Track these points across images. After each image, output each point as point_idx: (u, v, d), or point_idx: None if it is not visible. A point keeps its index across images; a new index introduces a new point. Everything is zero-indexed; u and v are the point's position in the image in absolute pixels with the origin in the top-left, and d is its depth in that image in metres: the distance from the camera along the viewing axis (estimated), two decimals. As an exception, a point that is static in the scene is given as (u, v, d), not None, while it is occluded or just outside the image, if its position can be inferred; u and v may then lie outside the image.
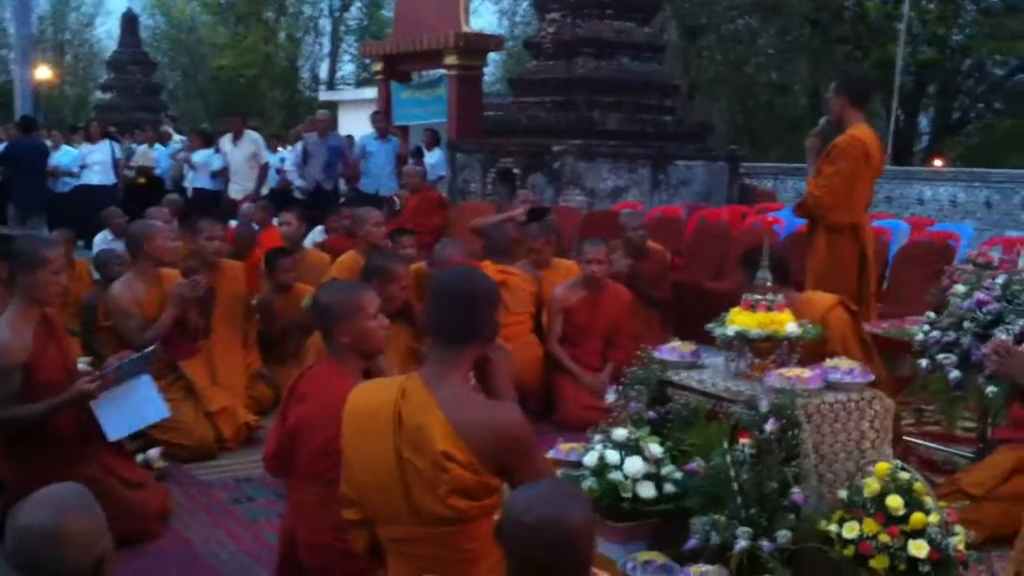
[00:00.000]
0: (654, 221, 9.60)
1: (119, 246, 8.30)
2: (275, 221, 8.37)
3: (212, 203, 12.93)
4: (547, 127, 12.63)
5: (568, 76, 12.78)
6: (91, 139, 14.51)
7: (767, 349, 4.51)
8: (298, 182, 13.21)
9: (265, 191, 12.59)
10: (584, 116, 12.45)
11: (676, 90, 14.19)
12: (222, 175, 12.85)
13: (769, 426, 4.03)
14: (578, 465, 4.66)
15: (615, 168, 11.99)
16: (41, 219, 13.22)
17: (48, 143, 14.54)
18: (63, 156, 14.31)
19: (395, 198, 11.55)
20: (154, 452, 5.33)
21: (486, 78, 17.56)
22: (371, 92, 19.22)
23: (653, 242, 7.92)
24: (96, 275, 7.38)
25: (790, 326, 4.50)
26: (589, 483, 4.22)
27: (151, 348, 5.03)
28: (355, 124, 17.90)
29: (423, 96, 16.01)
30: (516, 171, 12.56)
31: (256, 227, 8.93)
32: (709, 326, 4.63)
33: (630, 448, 4.30)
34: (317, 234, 9.41)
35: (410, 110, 16.06)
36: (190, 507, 5.02)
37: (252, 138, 12.79)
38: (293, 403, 3.75)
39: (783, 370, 4.32)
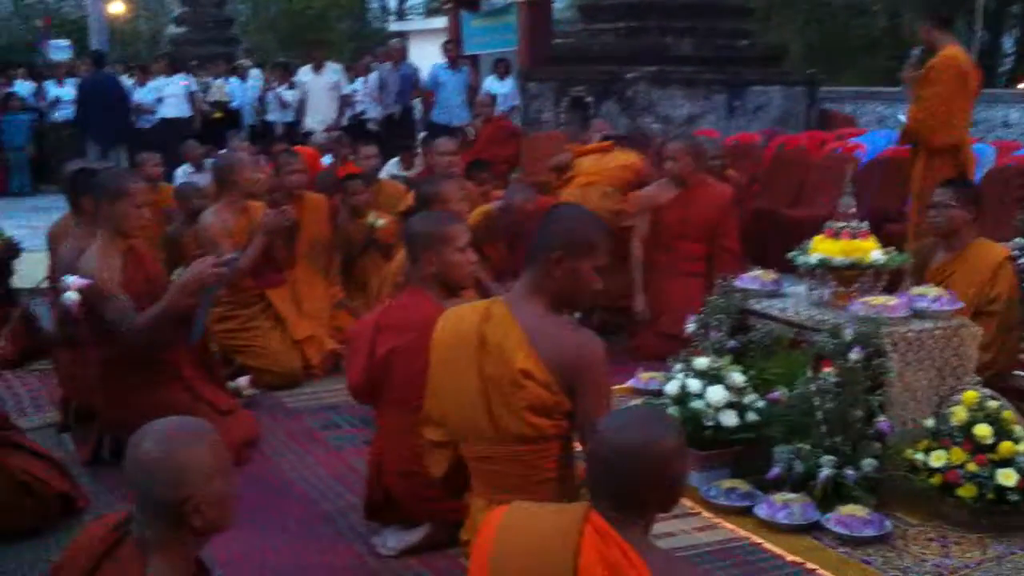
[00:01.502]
0: (730, 148, 9.46)
1: (198, 179, 8.45)
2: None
3: (286, 135, 13.09)
4: (619, 54, 12.44)
5: (639, 1, 12.55)
6: (166, 73, 14.65)
7: (851, 277, 4.47)
8: (372, 113, 13.25)
9: (344, 122, 12.67)
10: (657, 42, 12.23)
11: (751, 13, 13.88)
12: (297, 107, 12.94)
13: (854, 355, 4.02)
14: (659, 394, 4.71)
15: (689, 95, 11.80)
16: (121, 152, 13.42)
17: (131, 80, 14.70)
18: (147, 93, 14.48)
19: (468, 128, 11.54)
20: (243, 380, 5.46)
21: (556, 4, 17.32)
22: (440, 22, 19.10)
23: (731, 170, 7.82)
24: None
25: (875, 253, 4.46)
26: (671, 412, 4.25)
27: (235, 255, 5.11)
28: (425, 54, 17.80)
29: (493, 24, 15.86)
30: (588, 99, 12.43)
31: (331, 159, 9.01)
32: (791, 254, 4.61)
33: (712, 377, 4.32)
34: (392, 166, 9.46)
35: (480, 39, 15.93)
36: (279, 433, 5.16)
37: (333, 68, 12.85)
38: (382, 334, 3.82)
39: (868, 298, 4.29)
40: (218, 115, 14.83)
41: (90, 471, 4.63)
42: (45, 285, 4.94)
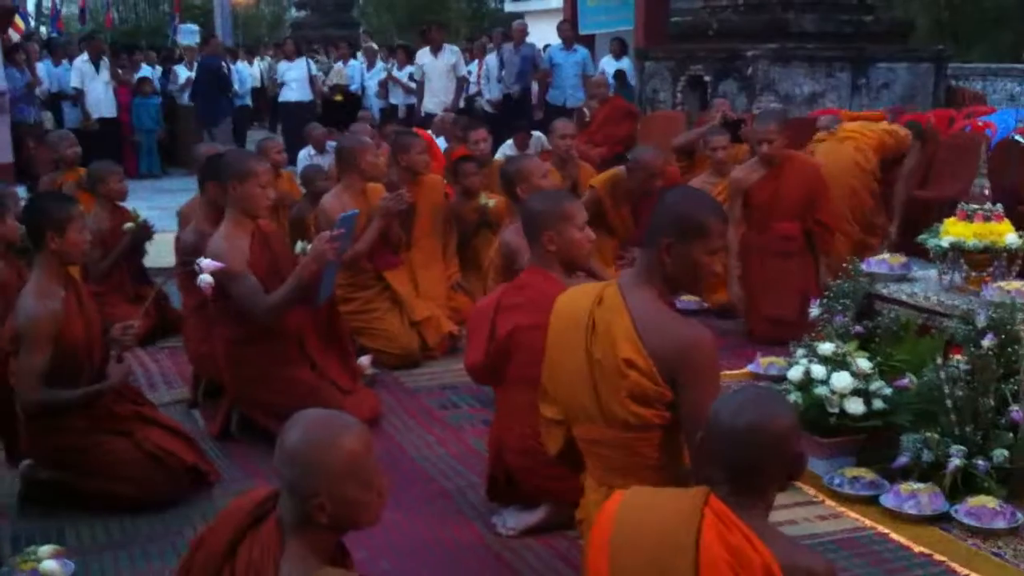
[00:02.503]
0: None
1: (321, 161, 8.61)
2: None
3: (407, 117, 13.25)
4: (739, 31, 12.22)
5: (756, -24, 12.30)
6: (288, 56, 14.95)
7: (984, 261, 4.33)
8: (487, 95, 13.31)
9: (462, 104, 12.76)
10: (778, 18, 11.98)
11: (876, -13, 13.48)
12: (416, 89, 13.08)
13: (987, 341, 3.90)
14: (780, 379, 4.63)
15: (811, 72, 11.53)
16: (226, 132, 13.72)
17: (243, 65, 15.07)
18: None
19: (584, 109, 11.49)
20: (364, 359, 5.55)
21: (674, -18, 17.08)
22: (557, 1, 19.03)
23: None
24: (302, 189, 7.66)
25: (1009, 236, 4.31)
26: (793, 397, 4.18)
27: (354, 212, 5.21)
28: (541, 34, 17.78)
29: (609, 3, 15.75)
30: (707, 78, 12.26)
31: (445, 142, 9.09)
32: (921, 237, 4.48)
33: (837, 363, 4.23)
34: (507, 147, 9.48)
35: (596, 18, 15.84)
36: (399, 413, 5.24)
37: (451, 50, 12.93)
38: (503, 313, 3.83)
39: (1002, 283, 4.15)
40: (338, 97, 15.07)
41: (219, 445, 4.78)
42: (175, 265, 5.10)
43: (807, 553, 2.47)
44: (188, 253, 5.02)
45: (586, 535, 3.03)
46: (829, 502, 4.05)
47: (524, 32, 13.51)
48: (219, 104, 13.90)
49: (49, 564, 3.54)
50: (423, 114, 12.70)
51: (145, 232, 6.51)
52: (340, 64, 15.83)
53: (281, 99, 14.71)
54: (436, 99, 12.67)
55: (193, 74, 14.46)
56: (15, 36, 14.73)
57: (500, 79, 13.04)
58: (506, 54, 12.94)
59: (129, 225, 6.46)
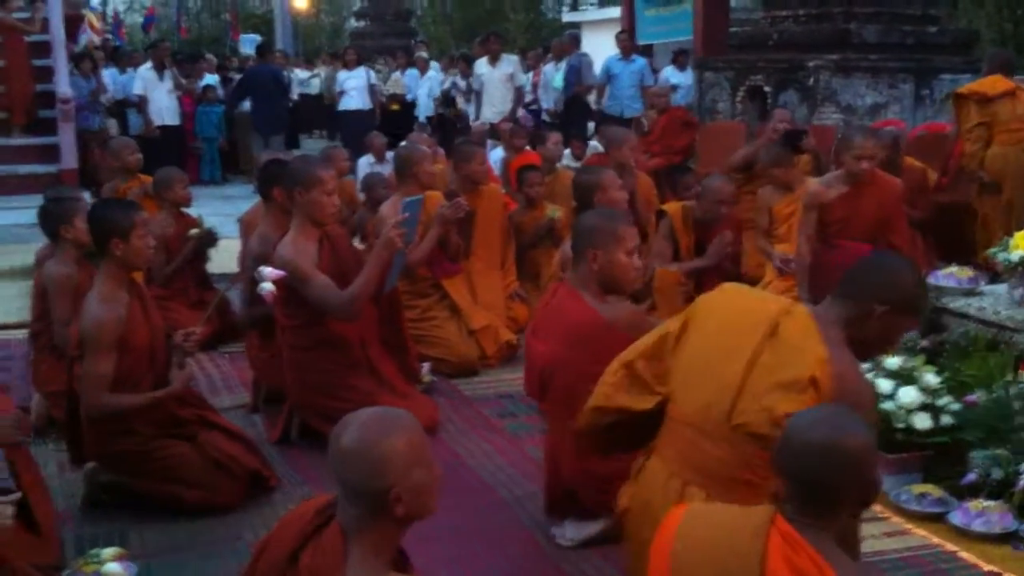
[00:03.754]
0: (917, 139, 9.09)
1: (381, 169, 8.66)
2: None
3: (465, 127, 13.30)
4: (800, 41, 12.11)
5: (823, -14, 12.19)
6: (347, 66, 15.06)
7: (1056, 276, 4.23)
8: (544, 105, 13.33)
9: (519, 113, 12.79)
10: (840, 28, 11.85)
11: (940, -3, 13.29)
12: (474, 98, 13.13)
13: (1060, 358, 3.80)
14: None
15: (874, 83, 11.38)
16: (279, 139, 13.81)
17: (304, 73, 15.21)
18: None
19: (642, 119, 11.45)
20: (424, 367, 5.56)
21: (733, -8, 16.98)
22: (615, 11, 19.00)
23: (913, 160, 7.51)
24: (362, 196, 7.71)
25: (1083, 251, 4.21)
26: (859, 411, 4.10)
27: (419, 197, 5.22)
28: (599, 45, 17.76)
29: (668, 13, 15.67)
30: (767, 89, 12.16)
31: (503, 152, 9.10)
32: (991, 251, 4.39)
33: (904, 377, 4.16)
34: (566, 157, 9.48)
35: (654, 28, 15.77)
36: (456, 420, 5.23)
37: (510, 59, 12.98)
38: (535, 341, 3.85)
39: (1077, 298, 4.06)
40: (394, 107, 15.15)
41: (279, 451, 4.81)
42: (237, 272, 5.15)
43: None
44: (256, 260, 5.07)
45: (638, 521, 3.01)
46: (895, 519, 3.98)
47: (571, 43, 13.55)
48: (276, 112, 14.05)
49: (112, 567, 3.58)
50: (480, 123, 12.75)
51: (210, 239, 6.58)
52: (398, 73, 15.93)
53: (340, 108, 14.83)
54: (493, 108, 12.71)
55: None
56: (96, 38, 15.00)
57: (546, 90, 13.19)
58: (557, 67, 13.05)
59: (194, 231, 6.54)
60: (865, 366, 4.33)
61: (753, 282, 7.11)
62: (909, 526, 3.92)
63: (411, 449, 2.21)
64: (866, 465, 2.33)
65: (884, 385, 4.14)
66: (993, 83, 7.43)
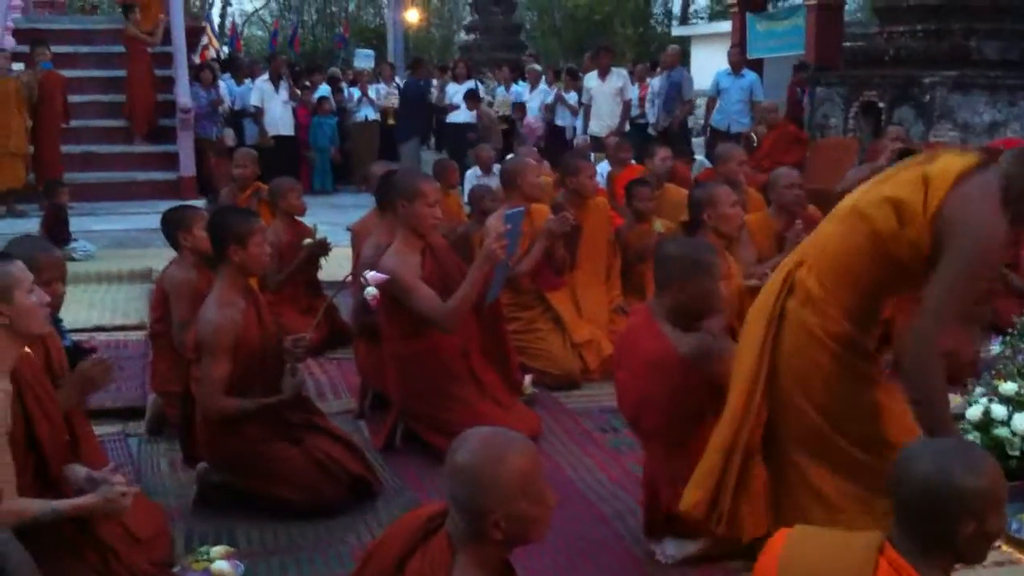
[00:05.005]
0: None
1: (488, 182, 8.74)
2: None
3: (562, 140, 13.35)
4: (916, 57, 11.86)
5: (942, 2, 11.91)
6: (457, 79, 15.24)
7: None
8: (651, 118, 13.30)
9: (627, 127, 12.80)
10: (959, 44, 11.57)
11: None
12: (582, 111, 13.17)
13: None
14: (958, 418, 4.44)
15: (992, 100, 11.09)
16: (413, 149, 14.09)
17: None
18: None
19: (752, 134, 11.34)
20: (526, 378, 5.59)
21: (847, 6, 16.71)
22: (725, 25, 18.86)
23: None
24: (468, 208, 7.79)
25: None
26: (971, 437, 4.01)
27: (520, 209, 5.27)
28: (709, 59, 17.67)
29: (780, 27, 15.51)
30: (881, 105, 11.93)
31: (608, 166, 9.09)
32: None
33: (1019, 403, 4.04)
34: (695, 167, 9.39)
35: (766, 42, 15.61)
36: (557, 433, 5.25)
37: (619, 73, 13.01)
38: (618, 370, 3.89)
39: None
40: (503, 127, 15.26)
41: (383, 457, 4.89)
42: (348, 279, 5.26)
43: None
44: (367, 267, 5.16)
45: None
46: (1007, 548, 3.85)
47: (676, 57, 13.47)
48: (415, 123, 14.30)
49: (221, 564, 3.68)
50: (588, 137, 12.77)
51: (322, 247, 6.71)
52: (503, 91, 16.00)
53: (449, 120, 15.01)
54: (602, 122, 12.73)
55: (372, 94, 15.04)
56: (212, 51, 15.47)
57: (653, 104, 13.12)
58: (660, 80, 13.01)
59: (308, 241, 6.68)
60: (978, 391, 4.24)
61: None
62: (1020, 555, 3.81)
63: (521, 479, 2.22)
64: (980, 504, 2.22)
65: (998, 411, 4.04)
66: None
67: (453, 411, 4.74)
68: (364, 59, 19.06)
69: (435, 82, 15.92)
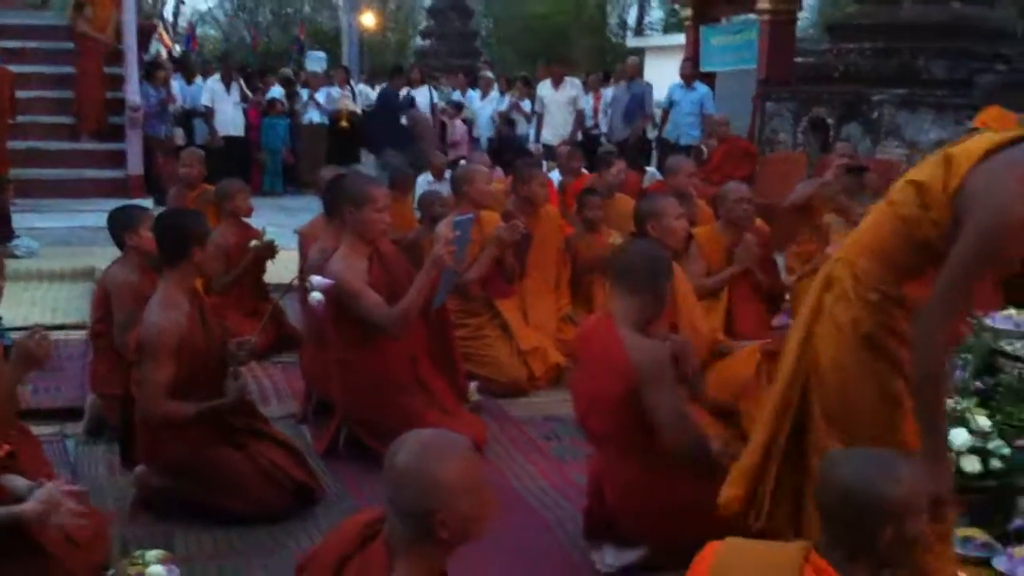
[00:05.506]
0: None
1: (439, 187, 8.73)
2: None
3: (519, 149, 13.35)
4: (865, 74, 12.05)
5: (892, 21, 12.11)
6: (412, 84, 15.21)
7: (1118, 322, 4.16)
8: (604, 128, 13.36)
9: (579, 137, 12.84)
10: (907, 63, 11.78)
11: (1011, 36, 13.13)
12: (535, 120, 13.19)
13: (1116, 406, 3.73)
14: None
15: (939, 119, 11.28)
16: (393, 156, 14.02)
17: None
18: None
19: (703, 147, 11.44)
20: (472, 385, 5.59)
21: (799, 23, 16.90)
22: (679, 38, 18.99)
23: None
24: (418, 214, 7.77)
25: None
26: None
27: (470, 216, 5.25)
28: (662, 71, 17.76)
29: (733, 41, 15.62)
30: (829, 121, 12.10)
31: (559, 175, 9.12)
32: (1051, 294, 4.32)
33: (955, 419, 4.10)
34: (646, 179, 9.43)
35: (720, 56, 15.72)
36: (502, 440, 5.25)
37: (573, 83, 13.05)
38: (577, 369, 3.90)
39: None
40: (344, 124, 15.19)
41: (325, 462, 4.86)
42: (295, 283, 5.22)
43: None
44: (312, 271, 5.14)
45: None
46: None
47: (636, 69, 13.53)
48: (389, 132, 14.28)
49: (156, 569, 3.63)
50: (540, 145, 12.81)
51: (269, 250, 6.64)
52: (458, 94, 16.04)
53: (404, 124, 14.96)
54: (554, 131, 12.77)
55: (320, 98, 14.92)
56: (164, 50, 15.30)
57: (607, 114, 13.15)
58: (619, 91, 13.02)
59: (255, 243, 6.62)
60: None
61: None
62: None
63: (463, 477, 2.24)
64: (901, 511, 2.28)
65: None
66: None
67: (398, 417, 4.68)
68: (316, 62, 18.96)
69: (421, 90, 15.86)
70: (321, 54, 20.56)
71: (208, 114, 13.87)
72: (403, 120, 14.42)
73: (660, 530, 3.74)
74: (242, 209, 6.82)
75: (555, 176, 9.28)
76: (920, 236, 2.93)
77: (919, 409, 2.93)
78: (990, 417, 4.14)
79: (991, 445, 4.05)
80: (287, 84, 15.86)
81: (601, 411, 3.74)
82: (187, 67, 15.84)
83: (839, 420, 3.12)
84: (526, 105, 14.25)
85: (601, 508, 3.90)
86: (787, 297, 6.95)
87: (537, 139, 13.08)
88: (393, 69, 16.13)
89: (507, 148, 13.94)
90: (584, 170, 8.89)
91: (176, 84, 14.51)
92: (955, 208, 2.80)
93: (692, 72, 13.10)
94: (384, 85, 15.40)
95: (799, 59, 14.09)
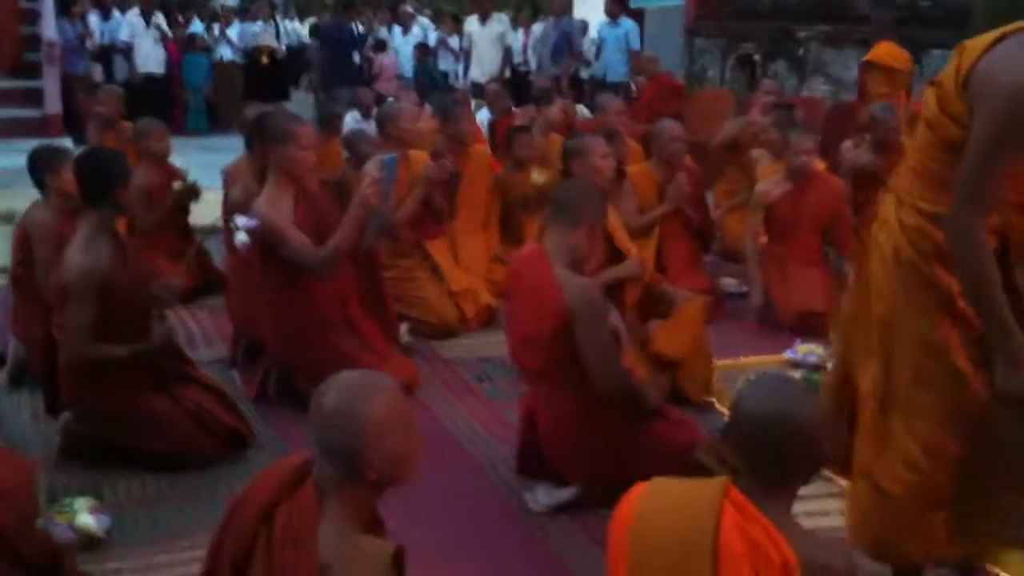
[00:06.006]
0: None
1: (367, 126, 8.61)
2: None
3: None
4: (792, 11, 12.10)
5: (819, -42, 12.15)
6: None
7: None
8: (533, 66, 13.25)
9: (508, 74, 12.72)
10: (833, 0, 11.84)
11: (934, -28, 13.26)
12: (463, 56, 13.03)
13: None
14: (817, 368, 4.61)
15: (864, 56, 11.39)
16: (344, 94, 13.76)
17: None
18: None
19: (631, 84, 11.41)
20: (402, 327, 5.57)
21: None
22: (609, -27, 18.84)
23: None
24: (345, 153, 7.65)
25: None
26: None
27: (394, 155, 5.22)
28: (592, 7, 17.65)
29: (662, -24, 15.57)
30: (756, 58, 12.15)
31: (489, 113, 9.05)
32: None
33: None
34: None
35: (648, -8, 15.67)
36: (434, 382, 5.26)
37: (500, 19, 12.88)
38: (507, 304, 3.91)
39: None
40: (264, 60, 14.87)
41: (255, 407, 4.82)
42: (219, 223, 5.12)
43: (828, 549, 2.40)
44: (235, 212, 5.04)
45: None
46: (842, 481, 3.97)
47: (563, 5, 13.39)
48: (340, 68, 13.98)
49: (85, 517, 3.60)
50: (469, 83, 12.67)
51: (193, 192, 6.51)
52: (261, 24, 15.64)
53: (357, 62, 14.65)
54: (482, 68, 12.63)
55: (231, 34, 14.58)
56: None
57: (535, 51, 13.03)
58: (546, 28, 12.88)
59: (178, 184, 6.48)
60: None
61: (733, 255, 7.17)
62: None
63: (389, 415, 2.24)
64: (815, 435, 2.32)
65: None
66: None
67: (328, 359, 4.64)
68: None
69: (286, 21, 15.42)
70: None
71: (127, 50, 13.48)
72: (355, 58, 14.14)
73: (592, 468, 3.79)
74: (160, 150, 6.65)
75: (484, 114, 9.21)
76: (946, 138, 2.80)
77: (981, 315, 2.79)
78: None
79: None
80: (214, 19, 15.47)
81: (534, 347, 3.74)
82: (104, 1, 15.35)
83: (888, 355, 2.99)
84: (454, 42, 14.05)
85: (534, 446, 3.93)
86: (716, 233, 7.04)
87: (465, 76, 12.94)
88: (345, 3, 15.78)
89: (433, 86, 13.76)
90: (513, 108, 8.82)
91: (93, 19, 14.07)
92: (969, 98, 2.70)
93: (617, 9, 13.01)
94: (321, 20, 15.01)
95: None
